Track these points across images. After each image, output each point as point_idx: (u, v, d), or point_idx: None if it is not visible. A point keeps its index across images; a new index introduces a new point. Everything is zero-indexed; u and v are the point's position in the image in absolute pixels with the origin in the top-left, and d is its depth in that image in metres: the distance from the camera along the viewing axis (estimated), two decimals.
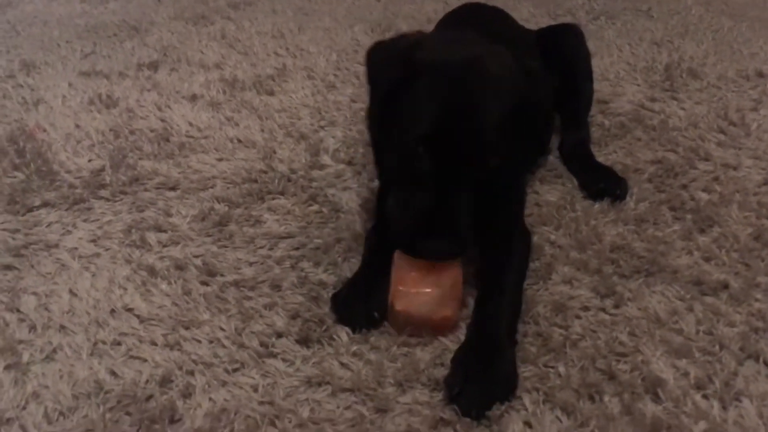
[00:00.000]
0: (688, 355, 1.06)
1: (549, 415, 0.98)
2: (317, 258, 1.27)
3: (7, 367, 1.05)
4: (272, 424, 0.97)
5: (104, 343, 1.09)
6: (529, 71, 1.10)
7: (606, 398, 1.00)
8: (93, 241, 1.32)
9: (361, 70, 2.01)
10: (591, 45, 1.76)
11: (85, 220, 1.38)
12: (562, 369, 1.04)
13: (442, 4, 2.56)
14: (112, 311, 1.16)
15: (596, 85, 1.74)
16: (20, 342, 1.09)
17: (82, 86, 1.93)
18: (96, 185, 1.47)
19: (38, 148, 1.60)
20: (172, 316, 1.14)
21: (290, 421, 0.97)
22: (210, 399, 1.00)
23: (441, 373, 1.03)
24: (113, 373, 1.04)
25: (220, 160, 1.58)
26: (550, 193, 1.46)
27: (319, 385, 1.03)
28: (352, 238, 1.31)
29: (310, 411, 0.99)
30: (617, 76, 1.97)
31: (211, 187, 1.48)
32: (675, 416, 0.97)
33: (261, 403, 1.00)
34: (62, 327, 1.12)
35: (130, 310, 1.16)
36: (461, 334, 1.10)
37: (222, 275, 1.24)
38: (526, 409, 0.99)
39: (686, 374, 1.03)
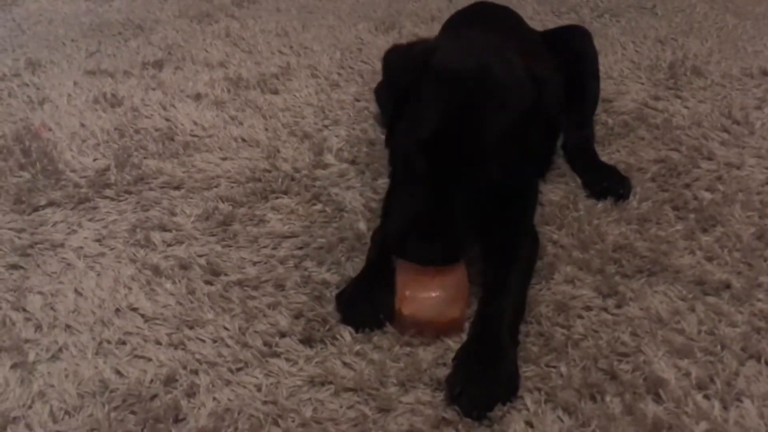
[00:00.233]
0: (690, 355, 1.07)
1: (550, 415, 0.99)
2: (320, 257, 1.28)
3: (14, 366, 1.06)
4: (275, 423, 0.98)
5: (109, 342, 1.10)
6: (537, 79, 1.11)
7: (607, 398, 1.00)
8: (98, 240, 1.33)
9: (365, 68, 2.03)
10: (595, 43, 1.76)
11: (90, 220, 1.38)
12: (563, 369, 1.05)
13: (446, 2, 2.56)
14: (117, 310, 1.16)
15: (600, 84, 1.74)
16: (26, 341, 1.10)
17: (87, 85, 1.94)
18: (101, 184, 1.48)
19: (44, 148, 1.61)
20: (177, 316, 1.15)
21: (293, 421, 0.98)
22: (214, 398, 1.01)
23: (443, 372, 1.04)
24: (118, 373, 1.05)
25: (224, 159, 1.58)
26: (553, 192, 1.46)
27: (322, 384, 1.03)
28: (355, 238, 1.32)
29: (313, 410, 1.00)
30: (621, 74, 1.97)
31: (216, 187, 1.49)
32: (676, 416, 0.97)
33: (264, 402, 1.01)
34: (68, 326, 1.13)
35: (134, 309, 1.17)
36: (464, 334, 1.10)
37: (226, 274, 1.24)
38: (528, 409, 0.99)
39: (688, 374, 1.04)
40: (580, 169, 1.51)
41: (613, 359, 1.06)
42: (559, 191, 1.47)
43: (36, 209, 1.41)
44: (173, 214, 1.40)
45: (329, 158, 1.58)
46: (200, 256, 1.29)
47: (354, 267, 1.25)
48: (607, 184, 1.44)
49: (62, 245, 1.31)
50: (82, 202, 1.43)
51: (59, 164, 1.55)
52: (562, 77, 1.26)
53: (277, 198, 1.45)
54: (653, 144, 1.62)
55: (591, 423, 0.97)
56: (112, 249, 1.31)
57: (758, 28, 2.28)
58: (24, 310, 1.17)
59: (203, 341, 1.11)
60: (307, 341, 1.10)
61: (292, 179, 1.51)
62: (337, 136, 1.67)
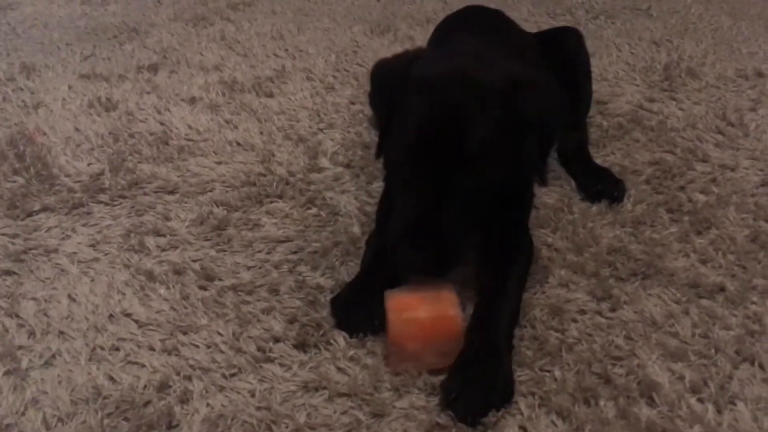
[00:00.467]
0: (684, 359, 1.07)
1: (544, 420, 0.98)
2: (315, 262, 1.28)
3: (7, 373, 1.06)
4: (269, 429, 0.98)
5: (103, 348, 1.10)
6: (517, 84, 1.10)
7: (601, 402, 1.00)
8: (92, 245, 1.33)
9: (360, 71, 2.03)
10: (590, 44, 1.76)
11: (84, 225, 1.38)
12: (557, 373, 1.05)
13: (442, 4, 2.57)
14: (111, 316, 1.16)
15: (595, 86, 1.74)
16: (19, 348, 1.10)
17: (81, 89, 1.93)
18: (95, 189, 1.48)
19: (38, 152, 1.61)
20: (170, 321, 1.15)
21: (287, 427, 0.98)
22: (207, 404, 1.01)
23: (438, 377, 1.04)
24: (111, 379, 1.05)
25: (219, 163, 1.58)
26: (548, 195, 1.46)
27: (316, 390, 1.03)
28: (349, 242, 1.32)
29: (307, 416, 0.99)
30: (616, 76, 1.97)
31: (210, 191, 1.49)
32: (670, 420, 0.97)
33: (258, 408, 1.00)
34: (61, 332, 1.13)
35: (128, 315, 1.16)
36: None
37: (220, 279, 1.24)
38: (522, 414, 0.99)
39: (681, 378, 1.04)
40: (575, 172, 1.51)
41: (607, 363, 1.06)
42: (553, 194, 1.46)
43: (30, 214, 1.41)
44: (167, 218, 1.40)
45: (324, 162, 1.58)
46: (194, 261, 1.29)
47: (348, 271, 1.25)
48: (602, 186, 1.44)
49: (56, 251, 1.31)
50: (76, 207, 1.43)
51: (53, 169, 1.55)
52: (554, 82, 1.25)
53: (271, 202, 1.45)
54: (648, 146, 1.62)
55: (585, 427, 0.97)
56: (106, 254, 1.31)
57: (753, 30, 2.28)
58: (17, 316, 1.16)
59: (197, 347, 1.11)
60: (301, 346, 1.10)
61: (287, 183, 1.50)
62: (332, 140, 1.67)
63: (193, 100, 1.85)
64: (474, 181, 1.07)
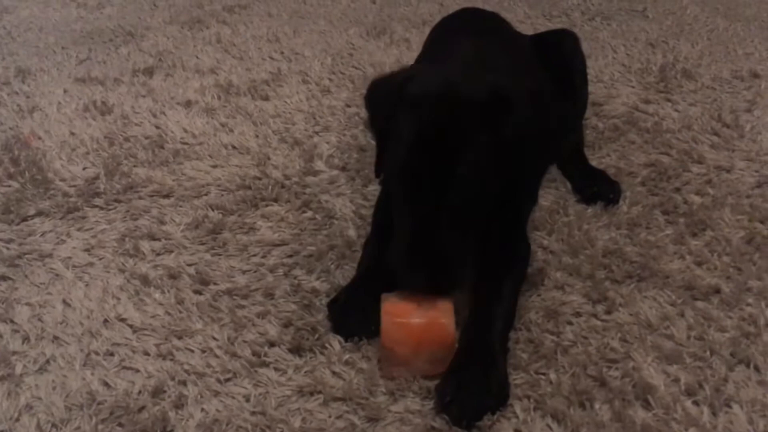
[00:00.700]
0: (679, 361, 1.07)
1: (540, 423, 0.98)
2: (310, 265, 1.28)
3: (1, 379, 1.05)
4: None
5: (97, 353, 1.10)
6: (504, 99, 1.10)
7: (597, 405, 1.00)
8: (87, 250, 1.33)
9: (356, 74, 2.03)
10: (586, 46, 1.76)
11: (79, 229, 1.38)
12: (553, 376, 1.05)
13: (438, 6, 2.57)
14: (105, 321, 1.16)
15: (591, 87, 1.74)
16: (14, 353, 1.10)
17: (77, 93, 1.93)
18: (90, 193, 1.48)
19: (33, 157, 1.60)
20: (165, 326, 1.15)
21: (282, 431, 0.98)
22: (202, 409, 1.01)
23: (433, 381, 1.03)
24: (106, 384, 1.05)
25: (214, 166, 1.58)
26: (544, 198, 1.46)
27: (311, 394, 1.03)
28: (345, 245, 1.32)
29: (302, 421, 0.99)
30: (612, 77, 1.97)
31: (205, 195, 1.49)
32: (665, 423, 0.97)
33: (253, 413, 1.00)
34: (55, 338, 1.13)
35: (123, 320, 1.16)
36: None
37: (215, 284, 1.24)
38: (517, 417, 0.99)
39: (677, 380, 1.03)
40: (570, 174, 1.51)
41: (603, 366, 1.06)
42: (549, 196, 1.46)
43: (24, 219, 1.41)
44: (162, 222, 1.40)
45: (319, 165, 1.58)
46: (189, 265, 1.28)
47: (344, 275, 1.25)
48: (597, 188, 1.44)
49: (51, 255, 1.31)
50: (71, 212, 1.42)
51: (48, 173, 1.54)
52: (547, 94, 1.26)
53: (267, 206, 1.45)
54: (643, 148, 1.62)
55: (580, 430, 0.97)
56: (100, 259, 1.30)
57: (748, 31, 2.29)
58: (11, 321, 1.16)
59: (192, 351, 1.10)
60: (296, 350, 1.10)
61: (282, 186, 1.50)
62: (327, 143, 1.67)
63: (188, 104, 1.85)
64: (466, 199, 1.07)
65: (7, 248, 1.33)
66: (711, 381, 1.03)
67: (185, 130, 1.72)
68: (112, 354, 1.10)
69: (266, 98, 1.88)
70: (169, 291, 1.22)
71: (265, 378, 1.06)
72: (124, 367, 1.08)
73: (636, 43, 2.21)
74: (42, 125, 1.76)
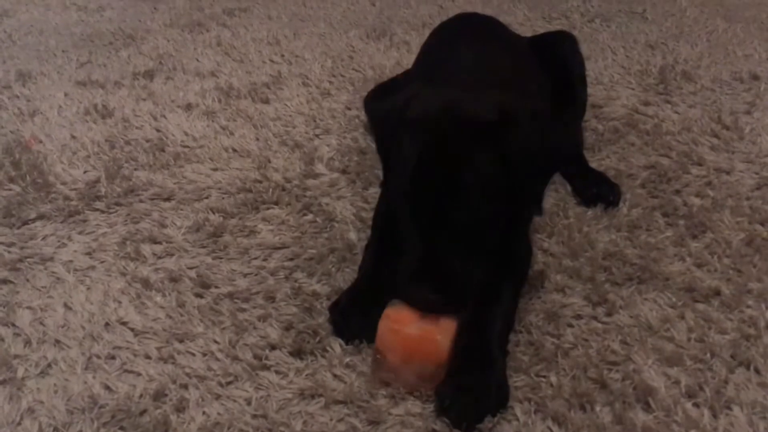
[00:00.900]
0: (680, 363, 1.07)
1: (540, 426, 0.99)
2: (311, 268, 1.28)
3: (2, 383, 1.05)
4: None
5: (99, 357, 1.10)
6: (505, 119, 1.11)
7: (597, 408, 1.00)
8: (88, 253, 1.33)
9: (357, 76, 2.04)
10: (585, 48, 1.77)
11: (80, 233, 1.38)
12: (553, 378, 1.05)
13: (437, 9, 2.57)
14: (107, 324, 1.16)
15: (590, 90, 1.74)
16: (15, 357, 1.10)
17: (77, 96, 1.93)
18: (91, 197, 1.48)
19: (34, 160, 1.60)
20: (166, 329, 1.15)
21: None
22: (203, 413, 1.01)
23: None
24: (107, 388, 1.05)
25: (215, 170, 1.58)
26: (544, 200, 1.46)
27: (312, 397, 1.03)
28: (345, 248, 1.32)
29: (303, 424, 0.99)
30: (611, 79, 1.98)
31: (206, 198, 1.49)
32: (666, 425, 0.98)
33: (254, 416, 1.00)
34: (57, 341, 1.13)
35: (124, 323, 1.16)
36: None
37: (216, 287, 1.24)
38: (518, 420, 0.99)
39: (677, 382, 1.04)
40: (570, 176, 1.51)
41: (603, 368, 1.07)
42: (549, 198, 1.47)
43: (26, 222, 1.41)
44: (163, 226, 1.40)
45: (320, 168, 1.58)
46: (190, 268, 1.29)
47: (345, 278, 1.25)
48: (597, 190, 1.44)
49: (52, 259, 1.31)
50: (72, 215, 1.43)
51: (49, 177, 1.54)
52: (546, 109, 1.27)
53: (267, 209, 1.45)
54: (643, 150, 1.62)
55: None
56: (102, 262, 1.31)
57: (748, 32, 2.29)
58: (13, 325, 1.16)
59: (193, 355, 1.11)
60: (297, 353, 1.10)
61: (283, 189, 1.51)
62: (328, 146, 1.67)
63: (189, 107, 1.85)
64: (470, 217, 1.08)
65: (9, 252, 1.33)
66: (711, 383, 1.03)
67: (186, 133, 1.72)
68: (113, 357, 1.10)
69: (266, 101, 1.89)
70: (170, 294, 1.22)
71: (267, 381, 1.06)
72: (126, 371, 1.08)
73: (635, 45, 2.22)
74: (43, 129, 1.76)
